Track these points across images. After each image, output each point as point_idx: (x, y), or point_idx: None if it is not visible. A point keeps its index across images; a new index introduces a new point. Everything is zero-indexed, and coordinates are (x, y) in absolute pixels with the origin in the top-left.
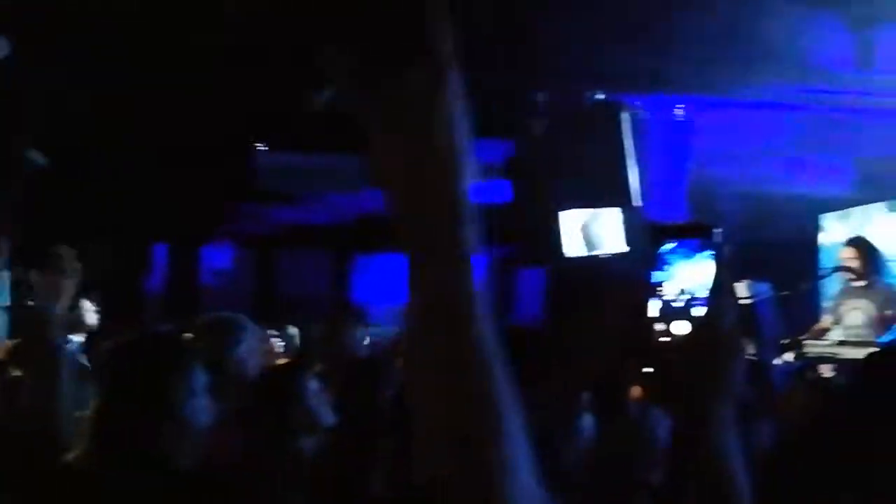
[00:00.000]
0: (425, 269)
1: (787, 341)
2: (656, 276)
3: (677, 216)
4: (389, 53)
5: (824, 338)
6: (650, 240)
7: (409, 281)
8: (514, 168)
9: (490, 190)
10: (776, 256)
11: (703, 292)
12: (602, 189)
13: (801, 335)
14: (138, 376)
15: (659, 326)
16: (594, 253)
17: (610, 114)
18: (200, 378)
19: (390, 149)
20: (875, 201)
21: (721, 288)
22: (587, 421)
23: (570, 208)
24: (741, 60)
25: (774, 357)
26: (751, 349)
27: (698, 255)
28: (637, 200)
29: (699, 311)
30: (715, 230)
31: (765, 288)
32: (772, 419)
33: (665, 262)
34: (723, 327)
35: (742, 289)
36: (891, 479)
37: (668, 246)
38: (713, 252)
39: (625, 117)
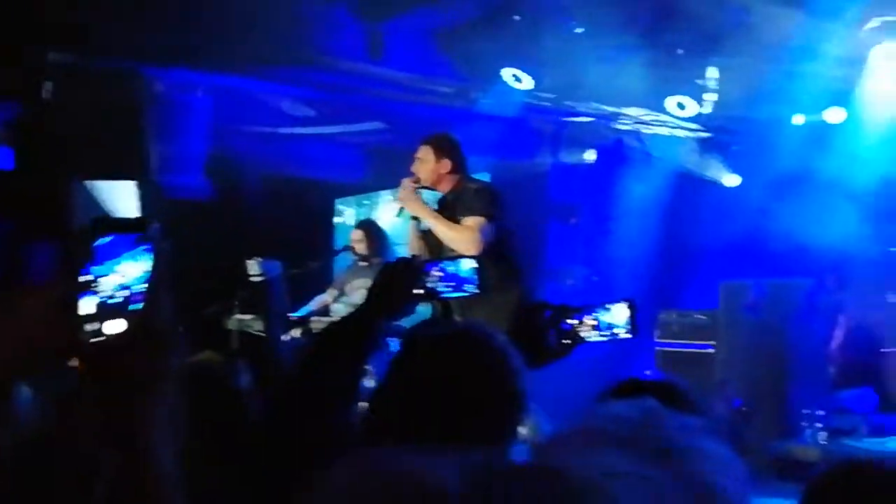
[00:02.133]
0: None
1: (294, 318)
2: (92, 271)
3: (196, 192)
4: None
5: (329, 314)
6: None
7: None
8: (21, 133)
9: None
10: (294, 236)
11: (141, 288)
12: (118, 161)
13: (309, 312)
14: None
15: (92, 325)
16: None
17: (128, 84)
18: None
19: None
20: (384, 189)
21: (156, 284)
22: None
23: (83, 179)
24: (259, 42)
25: (282, 333)
26: (260, 326)
27: (137, 251)
28: (154, 175)
29: (136, 309)
30: (152, 224)
31: (276, 266)
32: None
33: (103, 258)
34: (157, 325)
35: (253, 267)
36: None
37: (105, 240)
38: (150, 247)
39: (143, 88)
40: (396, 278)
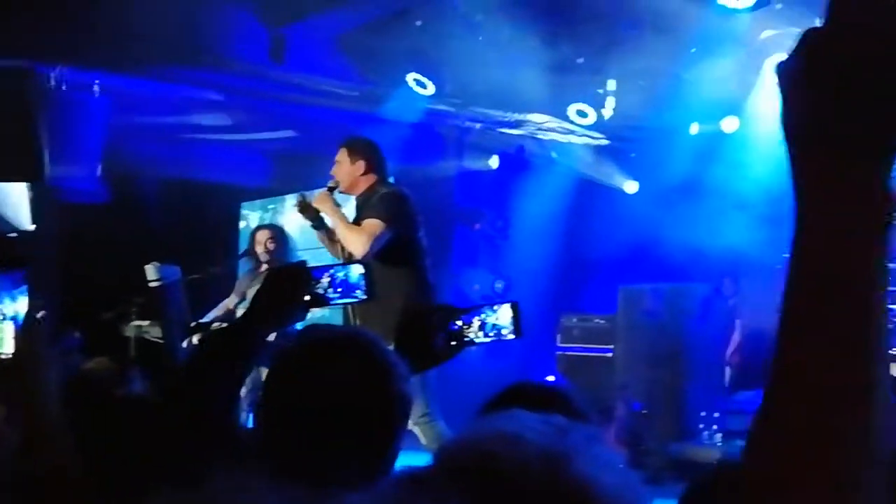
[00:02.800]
0: None
1: (194, 324)
2: None
3: (92, 195)
4: None
5: (233, 320)
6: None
7: None
8: None
9: None
10: (197, 241)
11: None
12: (8, 162)
13: (211, 318)
14: None
15: None
16: None
17: (17, 82)
18: None
19: None
20: (289, 192)
21: None
22: None
23: None
24: (158, 42)
25: (182, 339)
26: (158, 332)
27: None
28: (47, 176)
29: None
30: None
31: (174, 271)
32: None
33: None
34: None
35: (150, 272)
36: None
37: None
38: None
39: (36, 87)
40: (282, 285)
